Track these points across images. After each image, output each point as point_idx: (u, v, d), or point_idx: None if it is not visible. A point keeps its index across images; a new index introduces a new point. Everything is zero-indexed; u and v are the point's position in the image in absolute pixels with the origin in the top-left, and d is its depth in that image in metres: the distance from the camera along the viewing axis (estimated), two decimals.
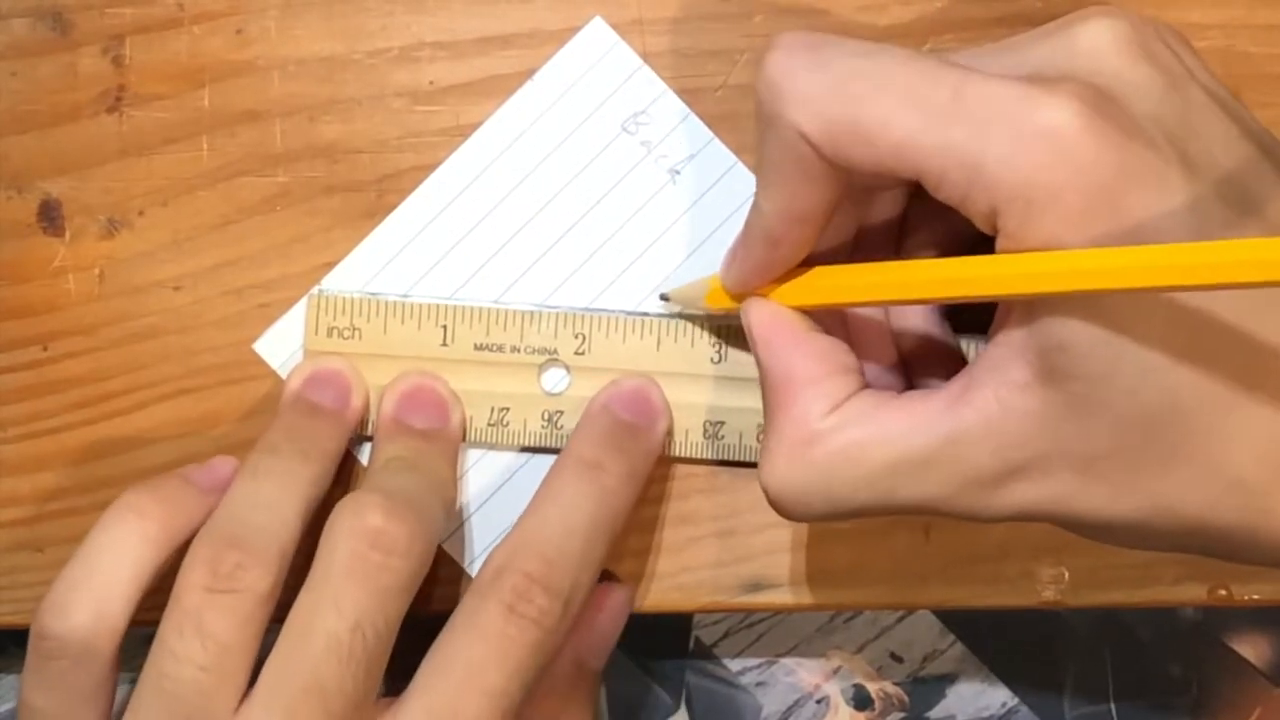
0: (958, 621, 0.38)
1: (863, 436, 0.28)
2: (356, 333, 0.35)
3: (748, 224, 0.29)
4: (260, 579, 0.29)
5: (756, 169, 0.29)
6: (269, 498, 0.31)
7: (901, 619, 0.38)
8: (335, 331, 0.35)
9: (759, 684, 0.38)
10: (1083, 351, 0.25)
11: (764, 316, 0.30)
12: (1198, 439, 0.25)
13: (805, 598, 0.35)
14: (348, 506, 0.30)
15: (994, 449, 0.26)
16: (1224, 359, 0.25)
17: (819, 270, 0.29)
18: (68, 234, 0.36)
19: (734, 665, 0.38)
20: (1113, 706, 0.38)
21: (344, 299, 0.35)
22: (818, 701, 0.38)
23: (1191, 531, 0.26)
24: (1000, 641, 0.38)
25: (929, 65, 0.26)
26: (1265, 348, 0.25)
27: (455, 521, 0.35)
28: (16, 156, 0.36)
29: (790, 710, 0.38)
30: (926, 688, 0.38)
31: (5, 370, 0.35)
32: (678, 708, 0.38)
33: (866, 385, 0.29)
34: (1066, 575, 0.35)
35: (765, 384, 0.29)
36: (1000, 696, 0.38)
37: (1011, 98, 0.25)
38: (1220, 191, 0.25)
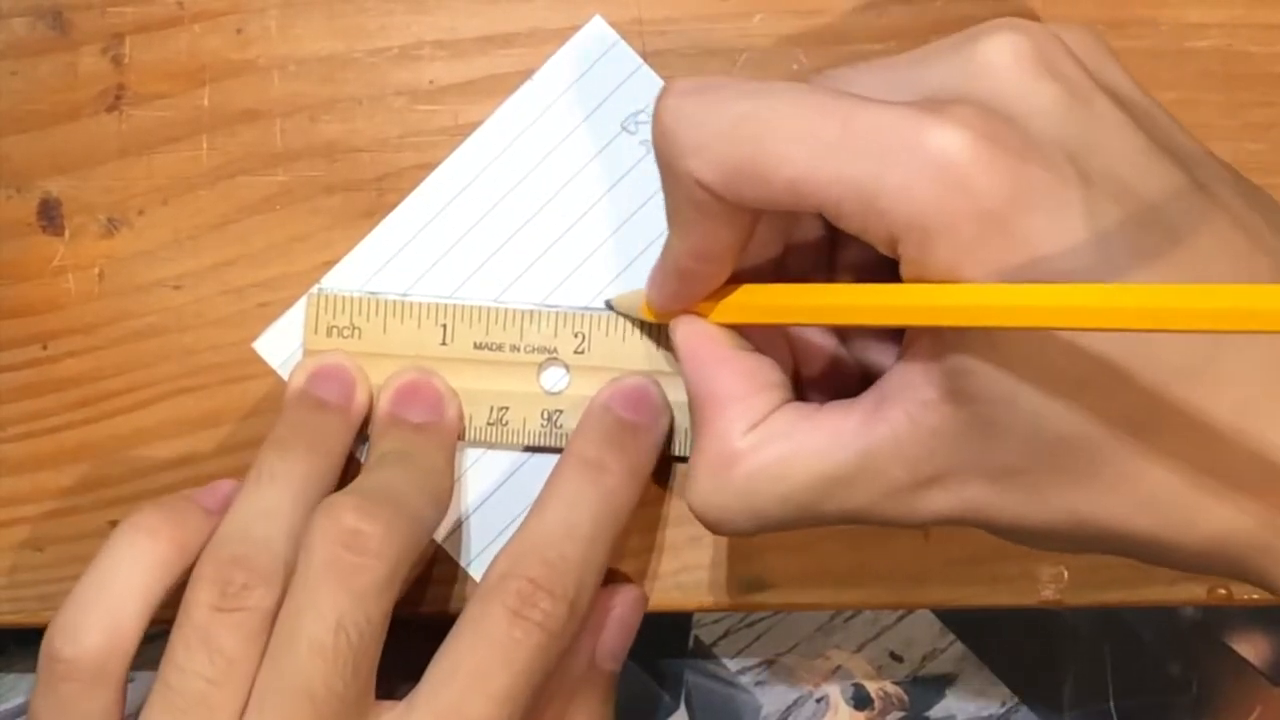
0: (958, 621, 0.38)
1: (783, 453, 0.28)
2: (356, 332, 0.35)
3: (662, 255, 0.30)
4: (265, 596, 0.30)
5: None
6: (274, 506, 0.31)
7: (901, 618, 0.38)
8: (335, 330, 0.35)
9: (759, 683, 0.38)
10: (985, 378, 0.25)
11: (689, 335, 0.30)
12: (1108, 459, 0.25)
13: (805, 598, 0.35)
14: (323, 509, 0.30)
15: (907, 463, 0.27)
16: (1131, 383, 0.24)
17: (745, 289, 0.29)
18: (67, 233, 0.36)
19: (734, 664, 0.38)
20: (1113, 705, 0.38)
21: (344, 298, 0.35)
22: (817, 701, 0.38)
23: (1110, 540, 0.26)
24: (1000, 641, 0.38)
25: (819, 99, 0.26)
26: (1177, 367, 0.24)
27: (453, 517, 0.35)
28: (16, 156, 0.36)
29: (790, 709, 0.38)
30: (926, 687, 0.38)
31: (5, 369, 0.35)
32: (677, 706, 0.38)
33: (791, 400, 0.29)
34: (1066, 574, 0.35)
35: (691, 401, 0.30)
36: (1000, 696, 0.38)
37: (901, 126, 0.25)
38: (1126, 210, 0.25)
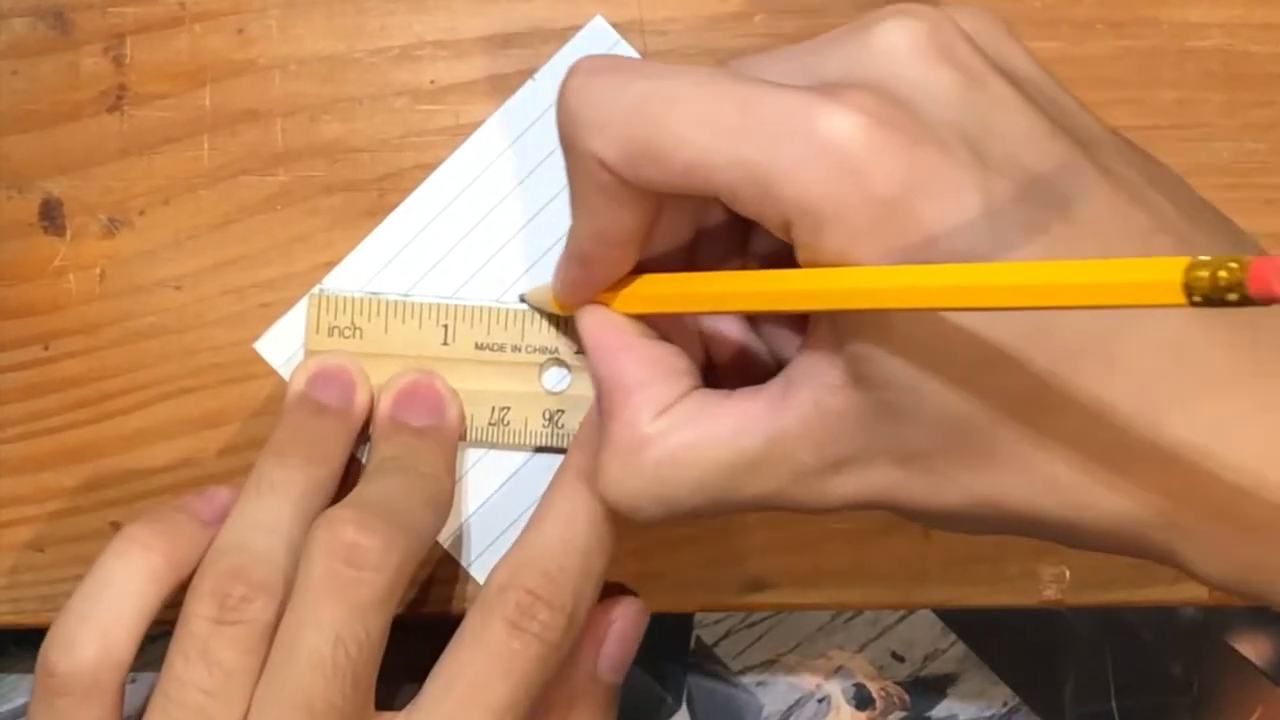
0: (959, 621, 0.38)
1: (690, 439, 0.28)
2: (357, 332, 0.35)
3: (565, 244, 0.30)
4: (264, 608, 0.30)
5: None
6: (273, 517, 0.31)
7: (902, 618, 0.38)
8: (336, 331, 0.35)
9: (760, 683, 0.38)
10: (883, 363, 0.25)
11: (594, 324, 0.30)
12: (1011, 440, 0.25)
13: (805, 597, 0.35)
14: (322, 522, 0.30)
15: (814, 447, 0.27)
16: (1027, 366, 0.25)
17: (644, 279, 0.29)
18: (69, 233, 0.36)
19: (735, 665, 0.38)
20: (1114, 705, 0.38)
21: (345, 298, 0.35)
22: (819, 701, 0.38)
23: (1015, 521, 0.26)
24: (1001, 641, 0.38)
25: (720, 82, 0.26)
26: (1073, 348, 0.24)
27: (455, 517, 0.35)
28: (17, 156, 0.36)
29: (791, 709, 0.38)
30: (927, 687, 0.38)
31: (6, 369, 0.35)
32: (679, 707, 0.38)
33: (699, 387, 0.29)
34: (1067, 574, 0.35)
35: (598, 391, 0.30)
36: (1001, 696, 0.38)
37: (796, 110, 0.25)
38: (1022, 192, 0.25)
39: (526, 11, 0.36)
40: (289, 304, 0.35)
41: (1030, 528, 0.26)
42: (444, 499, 0.33)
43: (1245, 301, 0.19)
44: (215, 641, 0.29)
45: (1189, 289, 0.19)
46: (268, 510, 0.31)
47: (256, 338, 0.35)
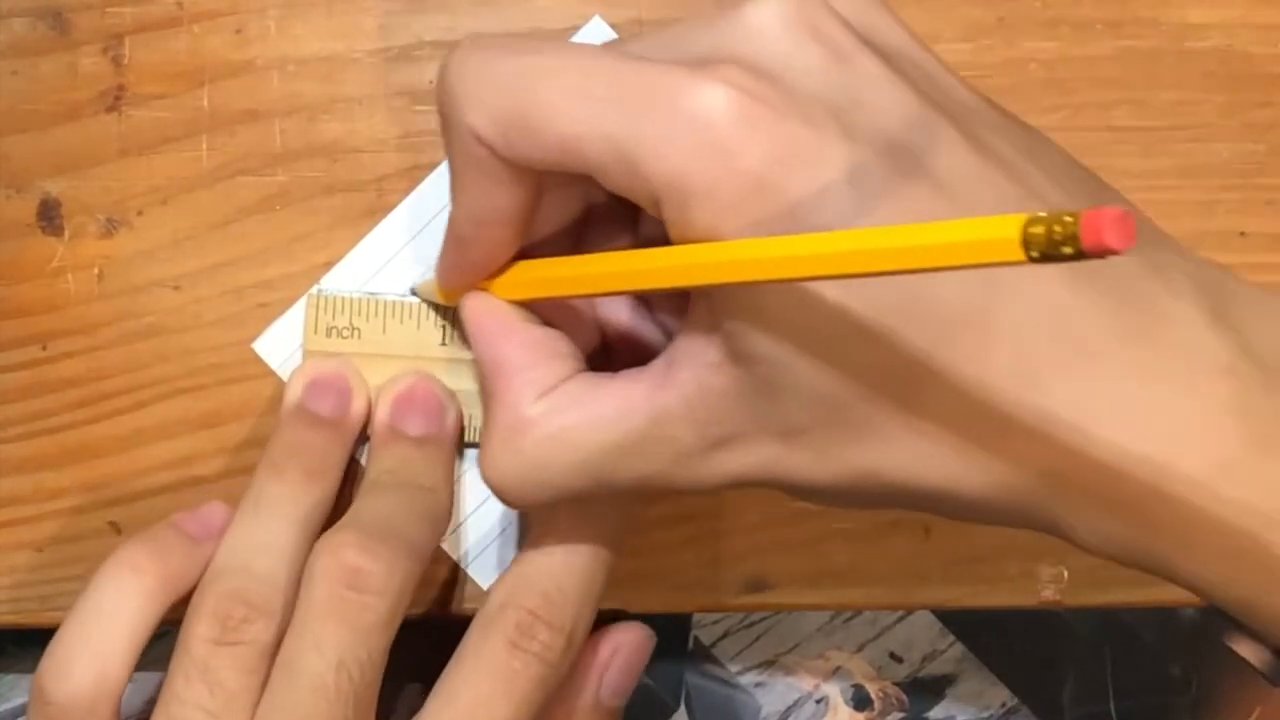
0: (958, 621, 0.38)
1: (572, 421, 0.28)
2: (356, 332, 0.35)
3: (446, 228, 0.30)
4: (265, 629, 0.30)
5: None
6: (272, 537, 0.31)
7: (901, 619, 0.38)
8: (334, 331, 0.35)
9: (758, 684, 0.38)
10: (760, 338, 0.25)
11: (476, 310, 0.30)
12: (889, 414, 0.25)
13: (805, 598, 0.35)
14: (324, 546, 0.30)
15: (694, 425, 0.27)
16: (901, 337, 0.25)
17: (521, 264, 0.30)
18: (67, 233, 0.36)
19: (733, 665, 0.38)
20: (1113, 706, 0.38)
21: (343, 299, 0.35)
22: (817, 701, 0.38)
23: (897, 494, 0.26)
24: (1000, 641, 0.38)
25: (594, 57, 0.26)
26: (949, 320, 0.25)
27: (453, 520, 0.35)
28: (16, 156, 0.36)
29: (790, 710, 0.38)
30: (926, 688, 0.38)
31: (4, 370, 0.35)
32: (677, 707, 0.38)
33: (582, 370, 0.29)
34: (1066, 575, 0.35)
35: (481, 376, 0.30)
36: (1000, 696, 0.38)
37: (662, 84, 0.25)
38: (888, 163, 0.25)
39: (526, 11, 0.36)
40: (287, 304, 0.35)
41: (912, 499, 0.27)
42: (443, 513, 0.33)
43: (1080, 255, 0.19)
44: (216, 662, 0.29)
45: (1027, 245, 0.19)
46: (267, 530, 0.31)
47: (255, 338, 0.35)
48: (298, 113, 0.36)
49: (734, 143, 0.24)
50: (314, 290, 0.35)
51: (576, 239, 0.31)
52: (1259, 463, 0.25)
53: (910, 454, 0.26)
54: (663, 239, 0.26)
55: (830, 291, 0.25)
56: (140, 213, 0.36)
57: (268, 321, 0.35)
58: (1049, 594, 0.35)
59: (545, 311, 0.30)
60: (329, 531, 0.30)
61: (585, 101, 0.25)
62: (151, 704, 0.30)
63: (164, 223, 0.36)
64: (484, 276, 0.30)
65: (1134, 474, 0.25)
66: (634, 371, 0.28)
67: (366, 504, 0.32)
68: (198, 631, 0.30)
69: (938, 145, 0.25)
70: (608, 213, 0.31)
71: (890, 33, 0.27)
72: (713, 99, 0.24)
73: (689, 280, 0.25)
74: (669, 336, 0.32)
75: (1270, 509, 0.25)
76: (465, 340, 0.33)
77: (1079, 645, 0.38)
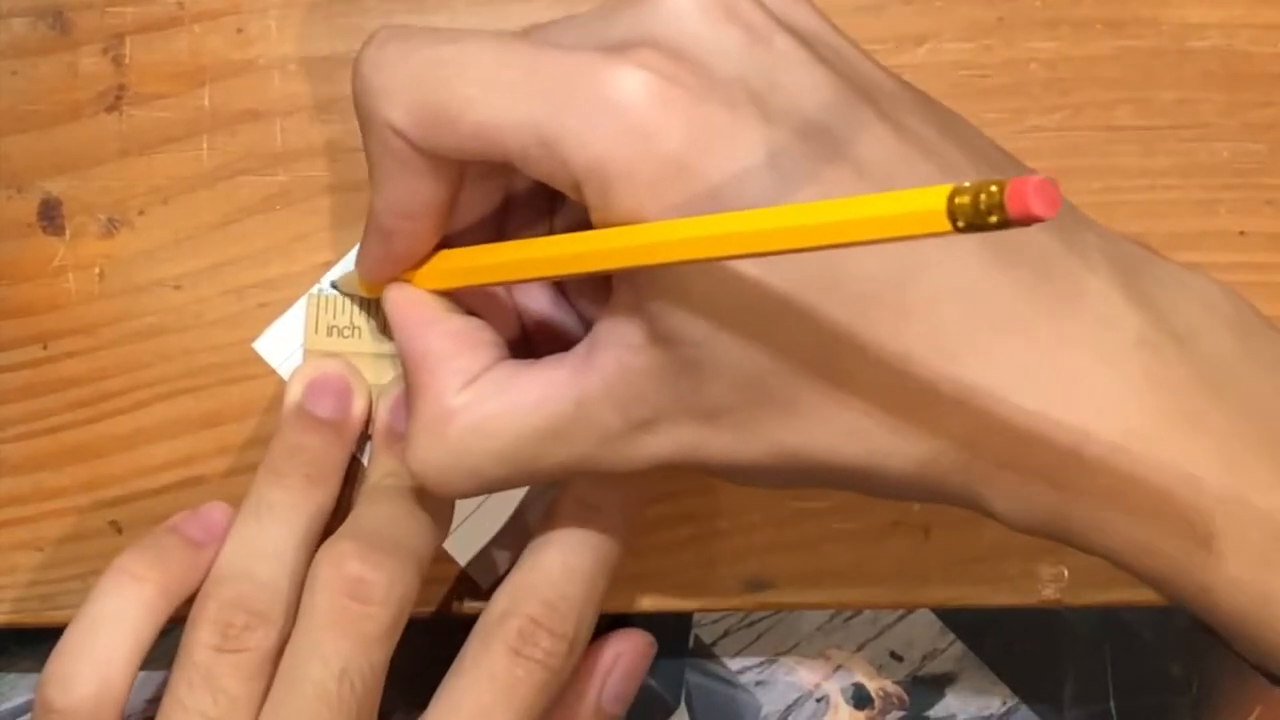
0: (958, 620, 0.38)
1: (496, 409, 0.28)
2: (356, 331, 0.35)
3: (366, 220, 0.30)
4: (267, 636, 0.30)
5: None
6: (274, 543, 0.31)
7: (901, 618, 0.38)
8: (335, 330, 0.35)
9: (759, 683, 0.38)
10: (681, 320, 0.25)
11: (398, 301, 0.30)
12: (811, 391, 0.25)
13: (805, 597, 0.35)
14: (326, 555, 0.30)
15: (618, 407, 0.27)
16: (819, 315, 0.25)
17: (442, 254, 0.29)
18: (68, 233, 0.36)
19: (734, 664, 0.38)
20: (1113, 705, 0.38)
21: (343, 298, 0.35)
22: (817, 700, 0.38)
23: (821, 471, 0.27)
24: (1000, 641, 0.38)
25: (509, 45, 0.26)
26: (866, 297, 0.25)
27: (454, 517, 0.35)
28: (17, 156, 0.36)
29: (790, 709, 0.38)
30: (926, 687, 0.38)
31: (5, 369, 0.35)
32: (677, 706, 0.38)
33: (505, 359, 0.29)
34: (1066, 574, 0.35)
35: (405, 368, 0.30)
36: (1000, 695, 0.38)
37: (581, 70, 0.25)
38: (806, 144, 0.25)
39: (525, 11, 0.36)
40: (288, 304, 0.35)
41: (836, 477, 0.27)
42: (444, 516, 0.33)
43: (1005, 223, 0.19)
44: (218, 669, 0.30)
45: (953, 215, 0.19)
46: (268, 535, 0.31)
47: (255, 337, 0.35)
48: (298, 112, 0.36)
49: (653, 126, 0.24)
50: (315, 289, 0.35)
51: (498, 228, 0.31)
52: (1172, 429, 0.25)
53: (833, 430, 0.26)
54: (585, 225, 0.26)
55: (750, 270, 0.25)
56: (141, 212, 0.36)
57: (268, 321, 0.35)
58: (1049, 593, 0.35)
59: (466, 301, 0.30)
60: (330, 539, 0.30)
61: (502, 90, 0.25)
62: (154, 703, 0.30)
63: (165, 222, 0.36)
64: (406, 267, 0.30)
65: (1052, 441, 0.25)
66: (556, 357, 0.28)
67: (368, 510, 0.32)
68: (200, 638, 0.30)
69: (856, 127, 0.25)
70: (529, 201, 0.31)
71: (802, 15, 0.27)
72: (630, 83, 0.24)
73: (612, 264, 0.25)
74: (587, 325, 0.32)
75: (1184, 474, 0.25)
76: (387, 332, 0.33)
77: (1079, 645, 0.38)
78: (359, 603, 0.29)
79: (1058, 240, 0.26)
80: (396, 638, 0.30)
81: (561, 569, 0.31)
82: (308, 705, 0.29)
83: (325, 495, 0.33)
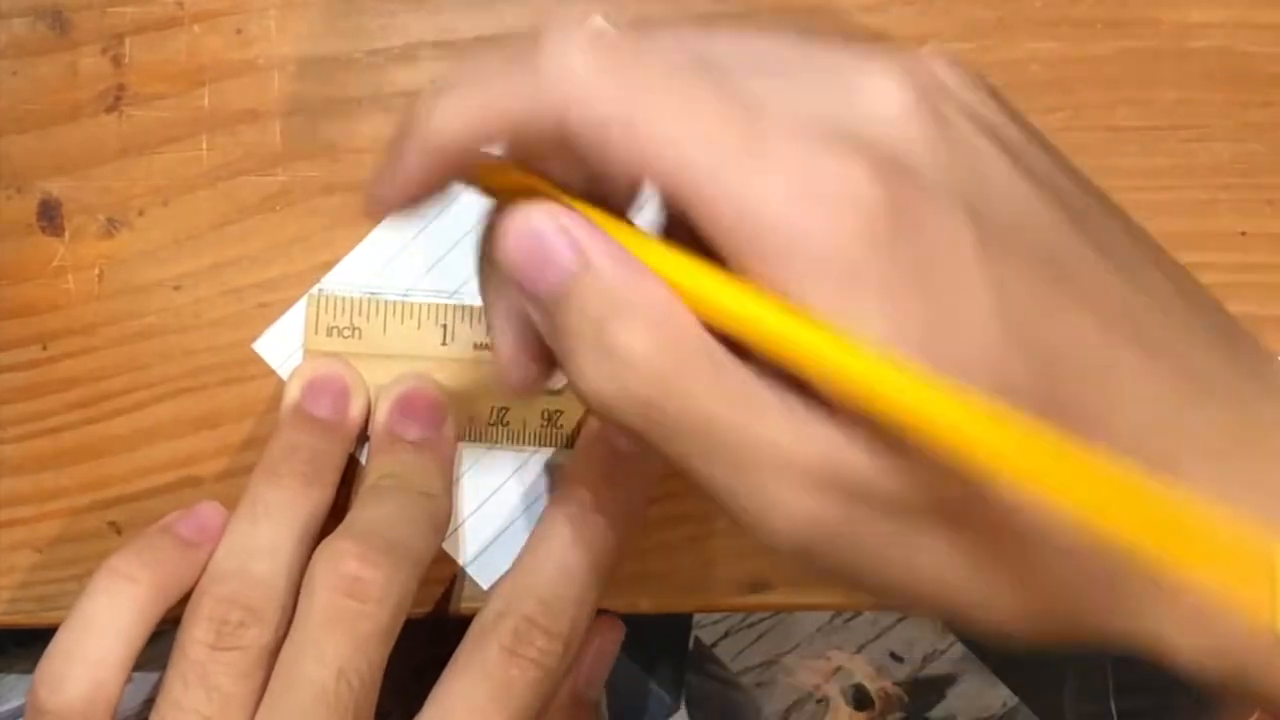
0: None
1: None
2: (356, 332, 0.35)
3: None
4: (262, 634, 0.30)
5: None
6: (269, 541, 0.31)
7: (901, 619, 0.38)
8: (335, 331, 0.35)
9: (759, 684, 0.38)
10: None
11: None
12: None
13: (805, 598, 0.35)
14: (324, 554, 0.30)
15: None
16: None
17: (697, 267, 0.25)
18: (67, 233, 0.36)
19: (734, 665, 0.38)
20: (1113, 706, 0.38)
21: (344, 299, 0.35)
22: (818, 701, 0.38)
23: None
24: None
25: (729, 99, 0.24)
26: (1074, 417, 0.24)
27: (453, 519, 0.35)
28: (16, 156, 0.36)
29: (790, 710, 0.38)
30: (926, 687, 0.38)
31: (5, 370, 0.35)
32: (678, 707, 0.38)
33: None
34: None
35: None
36: (1000, 696, 0.38)
37: (801, 158, 0.24)
38: (1022, 265, 0.24)
39: (525, 11, 0.36)
40: (288, 304, 0.35)
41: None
42: (442, 518, 0.33)
43: None
44: (213, 667, 0.30)
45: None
46: (264, 534, 0.31)
47: (255, 338, 0.35)
48: (298, 112, 0.36)
49: (870, 232, 0.23)
50: (315, 290, 0.35)
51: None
52: None
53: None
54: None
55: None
56: (141, 213, 0.36)
57: (268, 321, 0.35)
58: None
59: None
60: (328, 539, 0.30)
61: (714, 147, 0.24)
62: (148, 704, 0.30)
63: (164, 223, 0.36)
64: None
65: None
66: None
67: (366, 511, 0.32)
68: (194, 635, 0.30)
69: (1067, 250, 0.25)
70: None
71: (1010, 125, 0.27)
72: (850, 183, 0.23)
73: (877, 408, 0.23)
74: None
75: None
76: (386, 333, 0.33)
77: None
78: (356, 601, 0.29)
79: (1254, 380, 0.25)
80: (394, 637, 0.30)
81: (557, 568, 0.31)
82: (304, 704, 0.29)
83: (321, 494, 0.33)
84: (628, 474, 0.33)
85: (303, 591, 0.30)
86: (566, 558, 0.31)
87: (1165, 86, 0.36)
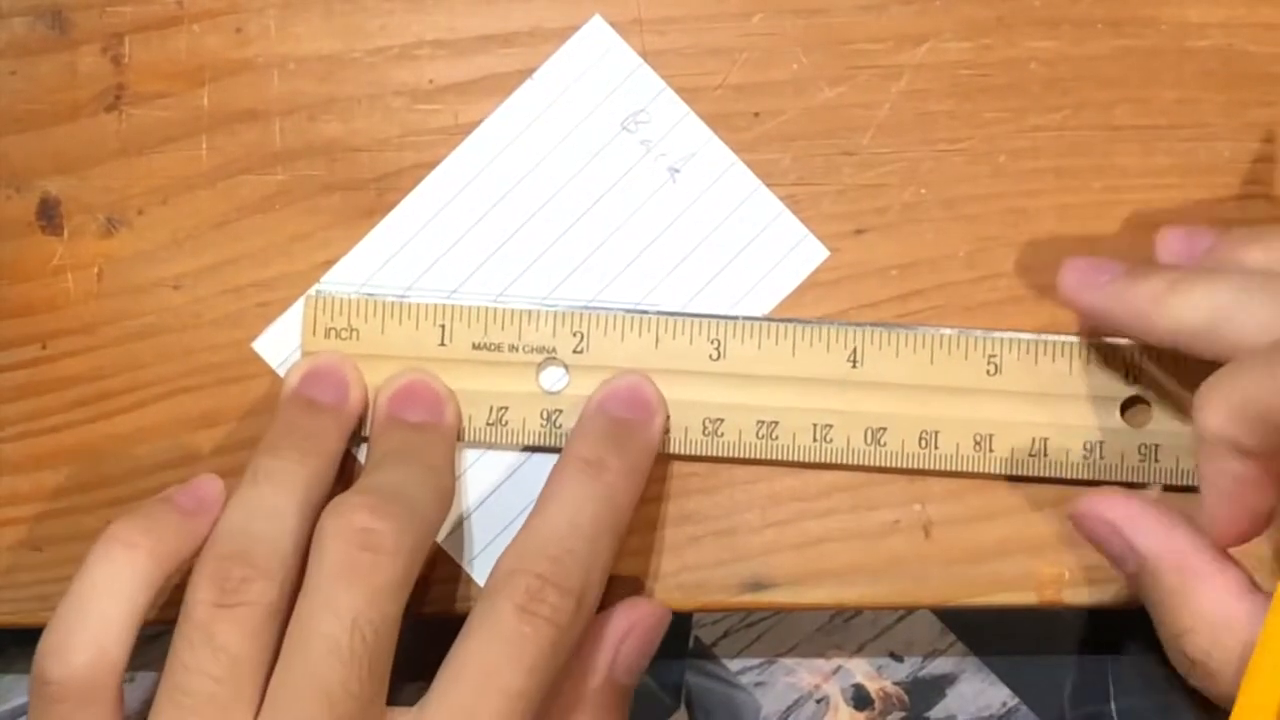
0: (958, 621, 0.38)
1: None
2: (354, 333, 0.35)
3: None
4: (266, 590, 0.30)
5: None
6: (271, 504, 0.31)
7: (901, 619, 0.38)
8: (333, 332, 0.35)
9: (758, 684, 0.38)
10: None
11: None
12: None
13: (805, 597, 0.35)
14: (334, 509, 0.30)
15: None
16: None
17: None
18: (66, 233, 0.36)
19: (734, 665, 0.38)
20: (1113, 706, 0.38)
21: (342, 300, 0.35)
22: (817, 701, 0.38)
23: None
24: (1000, 641, 0.38)
25: None
26: None
27: (454, 516, 0.35)
28: (16, 155, 0.36)
29: (790, 710, 0.38)
30: (926, 687, 0.38)
31: (4, 369, 0.35)
32: (677, 707, 0.38)
33: None
34: (1066, 575, 0.35)
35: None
36: (1000, 696, 0.38)
37: None
38: None
39: (525, 11, 0.36)
40: (287, 303, 0.35)
41: None
42: (446, 492, 0.33)
43: None
44: (218, 626, 0.29)
45: None
46: (266, 497, 0.31)
47: (255, 337, 0.35)
48: (297, 112, 0.36)
49: None
50: (312, 291, 0.35)
51: None
52: None
53: None
54: None
55: None
56: (140, 212, 0.36)
57: (268, 321, 0.35)
58: (1050, 593, 0.35)
59: None
60: (338, 498, 0.30)
61: None
62: (149, 705, 0.30)
63: (164, 222, 0.36)
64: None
65: None
66: None
67: (374, 475, 0.32)
68: (198, 596, 0.30)
69: None
70: None
71: None
72: None
73: None
74: None
75: None
76: (385, 334, 0.34)
77: (1079, 645, 0.38)
78: (369, 552, 0.29)
79: None
80: (407, 590, 0.30)
81: (568, 525, 0.31)
82: (319, 659, 0.29)
83: (320, 464, 0.32)
84: (629, 437, 0.33)
85: (313, 548, 0.30)
86: (576, 516, 0.31)
87: (1165, 86, 0.36)
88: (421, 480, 0.32)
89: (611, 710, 0.33)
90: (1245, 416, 0.28)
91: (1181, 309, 0.30)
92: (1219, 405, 0.28)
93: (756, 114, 0.36)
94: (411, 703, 0.30)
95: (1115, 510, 0.31)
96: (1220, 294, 0.30)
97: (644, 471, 0.33)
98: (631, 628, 0.33)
